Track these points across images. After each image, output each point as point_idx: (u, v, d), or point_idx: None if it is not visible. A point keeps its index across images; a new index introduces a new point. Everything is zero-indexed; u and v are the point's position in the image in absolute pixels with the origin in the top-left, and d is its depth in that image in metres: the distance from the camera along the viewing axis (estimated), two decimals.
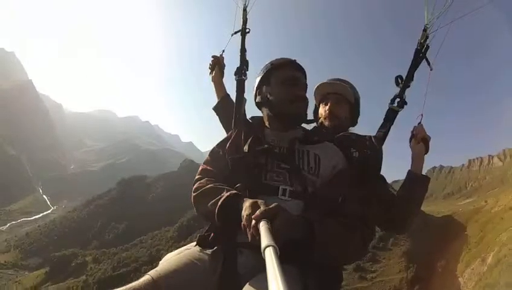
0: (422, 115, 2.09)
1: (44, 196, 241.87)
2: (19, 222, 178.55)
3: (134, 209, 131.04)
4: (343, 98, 2.37)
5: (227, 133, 2.33)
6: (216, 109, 2.73)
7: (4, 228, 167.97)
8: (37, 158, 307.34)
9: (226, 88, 2.78)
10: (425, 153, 2.08)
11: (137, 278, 1.44)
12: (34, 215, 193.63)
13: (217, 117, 2.72)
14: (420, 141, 2.06)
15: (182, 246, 1.75)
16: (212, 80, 2.80)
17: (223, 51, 2.80)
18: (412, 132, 2.12)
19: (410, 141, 2.13)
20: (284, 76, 1.87)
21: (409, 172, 2.06)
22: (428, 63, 2.03)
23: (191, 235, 72.76)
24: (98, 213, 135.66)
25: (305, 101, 1.87)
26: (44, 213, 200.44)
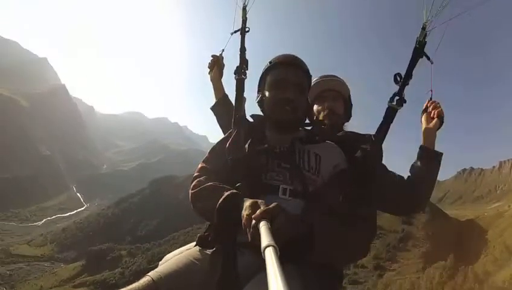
0: (432, 90, 2.05)
1: (78, 194, 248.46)
2: (53, 218, 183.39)
3: (166, 208, 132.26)
4: (339, 94, 2.43)
5: (224, 133, 2.32)
6: (214, 108, 2.73)
7: (40, 223, 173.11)
8: (70, 158, 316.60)
9: (227, 87, 2.74)
10: (438, 129, 2.01)
11: None
12: (68, 212, 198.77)
13: (215, 117, 2.73)
14: (435, 115, 2.01)
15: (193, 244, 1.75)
16: (211, 80, 2.78)
17: (223, 50, 2.76)
18: (426, 106, 2.08)
19: (422, 115, 2.09)
20: (273, 78, 1.87)
21: (422, 147, 1.99)
22: (428, 58, 2.00)
23: None
24: (131, 211, 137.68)
25: (291, 103, 1.80)
26: (78, 210, 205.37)
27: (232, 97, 2.51)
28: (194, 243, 1.67)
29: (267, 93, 1.89)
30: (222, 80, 2.79)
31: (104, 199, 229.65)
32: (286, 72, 1.84)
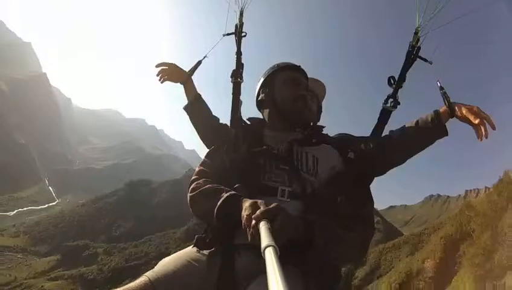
0: (439, 81, 1.87)
1: (50, 188, 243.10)
2: (26, 210, 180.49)
3: (141, 211, 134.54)
4: (315, 95, 2.42)
5: (199, 134, 2.41)
6: (188, 108, 2.46)
7: (11, 213, 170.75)
8: (45, 150, 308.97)
9: (222, 91, 3.24)
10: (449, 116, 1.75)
11: (150, 270, 1.49)
12: (40, 205, 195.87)
13: (188, 117, 2.46)
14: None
15: (190, 246, 1.71)
16: (180, 82, 2.51)
17: (204, 57, 2.61)
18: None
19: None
20: (288, 76, 1.95)
21: (436, 111, 1.79)
22: (426, 60, 1.99)
23: None
24: (106, 211, 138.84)
25: (307, 101, 1.91)
26: (50, 204, 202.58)
27: (226, 100, 2.38)
28: (192, 244, 1.65)
29: (281, 90, 1.92)
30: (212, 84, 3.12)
31: (76, 195, 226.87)
32: (298, 74, 1.97)
